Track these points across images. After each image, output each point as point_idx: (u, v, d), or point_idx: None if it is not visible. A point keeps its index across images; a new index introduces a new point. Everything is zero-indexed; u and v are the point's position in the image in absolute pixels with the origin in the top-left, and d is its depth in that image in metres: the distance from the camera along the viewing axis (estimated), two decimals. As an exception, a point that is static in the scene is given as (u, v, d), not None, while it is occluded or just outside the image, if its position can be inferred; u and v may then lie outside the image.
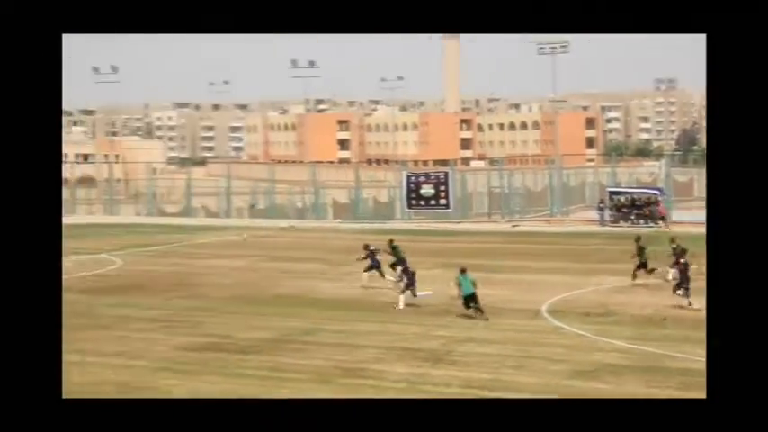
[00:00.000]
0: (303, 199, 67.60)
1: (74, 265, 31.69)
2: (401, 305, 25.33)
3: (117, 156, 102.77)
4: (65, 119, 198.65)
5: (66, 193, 76.61)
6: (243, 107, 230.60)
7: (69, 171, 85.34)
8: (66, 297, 27.77)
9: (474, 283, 23.71)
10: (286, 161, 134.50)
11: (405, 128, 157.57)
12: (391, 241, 30.43)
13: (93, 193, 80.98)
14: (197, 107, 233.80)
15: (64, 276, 32.13)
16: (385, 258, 29.32)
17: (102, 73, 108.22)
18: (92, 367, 19.08)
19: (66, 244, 43.66)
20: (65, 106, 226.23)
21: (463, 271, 24.02)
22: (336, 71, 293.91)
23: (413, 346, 20.58)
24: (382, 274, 29.42)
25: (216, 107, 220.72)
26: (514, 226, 52.22)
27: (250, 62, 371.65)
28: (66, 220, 63.30)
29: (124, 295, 29.34)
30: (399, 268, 27.46)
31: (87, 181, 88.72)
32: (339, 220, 59.51)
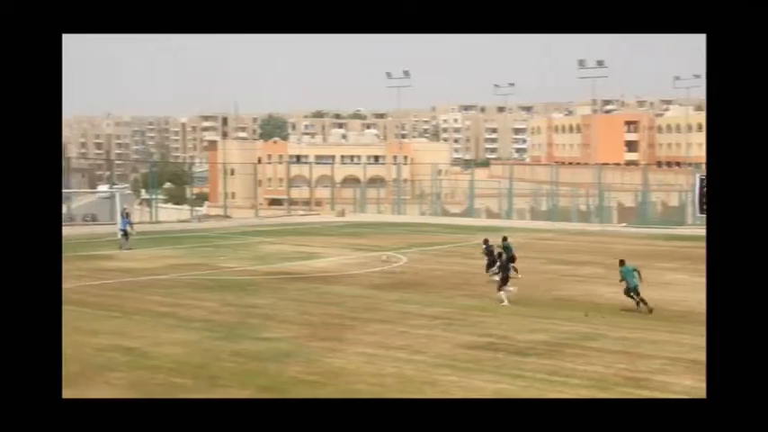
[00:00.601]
0: (587, 202, 66.50)
1: (367, 262, 32.92)
2: (505, 302, 26.85)
3: (405, 157, 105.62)
4: (359, 122, 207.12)
5: (356, 192, 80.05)
6: (527, 109, 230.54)
7: (362, 172, 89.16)
8: (355, 291, 29.25)
9: (638, 273, 25.41)
10: (570, 163, 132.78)
11: (699, 128, 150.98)
12: (504, 238, 33.42)
13: (383, 192, 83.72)
14: (482, 109, 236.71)
15: (353, 272, 33.65)
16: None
17: (394, 77, 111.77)
18: (376, 359, 19.73)
19: (354, 241, 45.45)
20: (359, 109, 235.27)
21: (622, 263, 25.79)
22: (626, 70, 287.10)
23: (704, 358, 19.67)
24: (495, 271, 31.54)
25: (500, 109, 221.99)
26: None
27: (535, 63, 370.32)
28: (356, 218, 66.24)
29: (407, 292, 30.03)
30: (497, 264, 29.48)
31: (377, 181, 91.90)
32: (624, 224, 58.06)
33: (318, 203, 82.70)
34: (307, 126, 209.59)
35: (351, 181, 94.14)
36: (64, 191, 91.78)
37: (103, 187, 77.03)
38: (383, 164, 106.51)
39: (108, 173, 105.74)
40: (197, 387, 17.36)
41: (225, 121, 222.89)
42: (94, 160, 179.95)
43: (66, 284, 31.00)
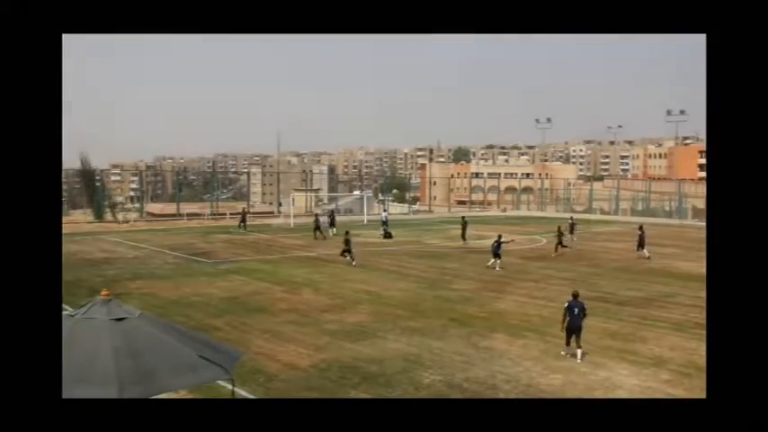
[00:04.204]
0: (670, 204, 62.32)
1: (521, 242, 32.30)
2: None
3: (547, 174, 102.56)
4: (516, 151, 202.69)
5: (514, 196, 78.43)
6: (630, 142, 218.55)
7: (518, 183, 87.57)
8: (513, 260, 29.01)
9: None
10: (659, 178, 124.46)
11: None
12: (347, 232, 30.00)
13: (531, 197, 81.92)
14: (599, 143, 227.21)
15: (512, 248, 33.21)
16: None
17: (541, 122, 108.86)
18: (525, 305, 19.46)
19: (512, 228, 44.70)
20: (517, 143, 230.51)
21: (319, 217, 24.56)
22: (700, 115, 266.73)
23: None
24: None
25: (611, 143, 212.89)
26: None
27: (634, 110, 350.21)
28: (513, 213, 64.99)
29: (547, 261, 29.51)
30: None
31: (528, 189, 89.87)
32: (696, 220, 54.01)
33: (489, 203, 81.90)
34: (482, 154, 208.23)
35: (510, 189, 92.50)
36: (332, 194, 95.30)
37: (357, 192, 79.50)
38: (532, 178, 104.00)
39: (359, 183, 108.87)
40: (410, 317, 17.84)
41: (431, 151, 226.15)
42: (351, 175, 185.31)
43: (334, 251, 32.30)
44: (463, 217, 40.05)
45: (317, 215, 45.65)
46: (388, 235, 40.18)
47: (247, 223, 45.20)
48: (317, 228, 39.67)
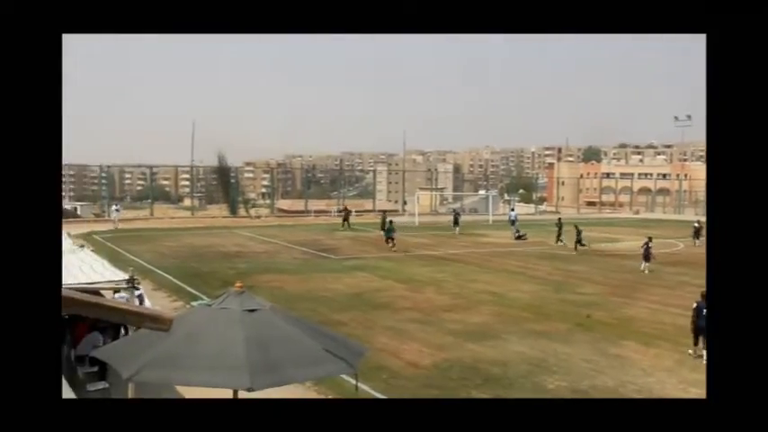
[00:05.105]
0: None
1: (654, 245, 30.62)
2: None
3: (686, 174, 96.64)
4: (652, 150, 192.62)
5: (648, 198, 74.64)
6: None
7: (653, 184, 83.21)
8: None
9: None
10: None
11: None
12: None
13: (667, 199, 77.63)
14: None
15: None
16: None
17: (680, 120, 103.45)
18: (658, 312, 18.46)
19: (646, 231, 42.64)
20: (652, 142, 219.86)
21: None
22: None
23: None
24: None
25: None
26: None
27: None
28: (647, 215, 61.79)
29: (682, 267, 28.30)
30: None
31: (663, 191, 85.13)
32: None
33: (620, 205, 78.63)
34: (614, 153, 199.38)
35: (644, 190, 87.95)
36: (457, 193, 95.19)
37: (482, 191, 78.92)
38: (668, 179, 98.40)
39: (485, 182, 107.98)
40: (534, 319, 17.52)
41: (559, 150, 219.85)
42: (477, 175, 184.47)
43: (458, 251, 32.33)
44: (559, 219, 40.22)
45: (455, 210, 48.82)
46: (521, 236, 39.95)
47: (350, 222, 46.79)
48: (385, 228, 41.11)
